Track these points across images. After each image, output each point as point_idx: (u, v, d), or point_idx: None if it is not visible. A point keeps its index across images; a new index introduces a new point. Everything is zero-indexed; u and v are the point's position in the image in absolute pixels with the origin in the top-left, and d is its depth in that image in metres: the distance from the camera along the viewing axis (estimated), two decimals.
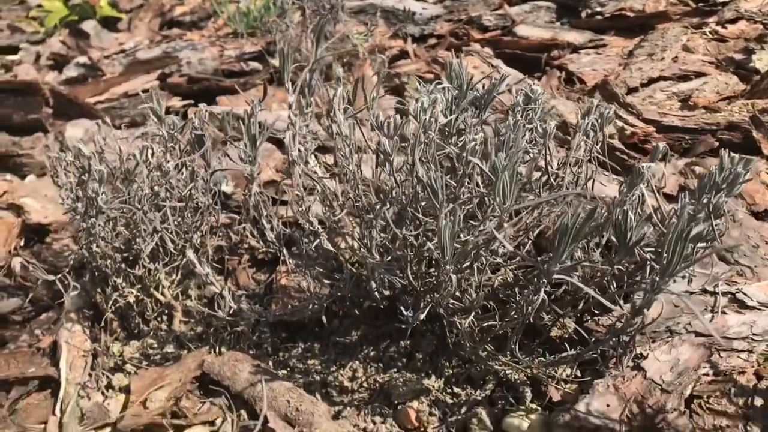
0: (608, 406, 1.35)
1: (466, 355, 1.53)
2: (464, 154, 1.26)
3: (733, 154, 1.27)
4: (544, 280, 1.18)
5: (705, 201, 1.30)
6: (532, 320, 1.42)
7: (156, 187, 1.50)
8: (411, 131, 1.29)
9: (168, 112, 2.83)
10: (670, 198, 1.99)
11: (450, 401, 1.49)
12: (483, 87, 1.48)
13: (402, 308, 1.35)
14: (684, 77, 2.89)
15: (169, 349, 1.69)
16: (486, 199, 1.28)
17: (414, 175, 1.25)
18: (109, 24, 4.37)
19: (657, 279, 1.19)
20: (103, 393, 1.56)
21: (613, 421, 1.33)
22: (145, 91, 2.83)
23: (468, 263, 1.27)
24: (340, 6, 2.86)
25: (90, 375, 1.58)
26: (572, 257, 1.18)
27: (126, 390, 1.56)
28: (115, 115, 2.85)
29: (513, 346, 1.33)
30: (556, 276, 1.17)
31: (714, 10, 3.53)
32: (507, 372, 1.50)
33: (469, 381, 1.53)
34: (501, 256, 1.35)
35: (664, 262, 1.12)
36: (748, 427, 1.29)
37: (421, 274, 1.38)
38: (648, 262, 1.30)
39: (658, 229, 1.30)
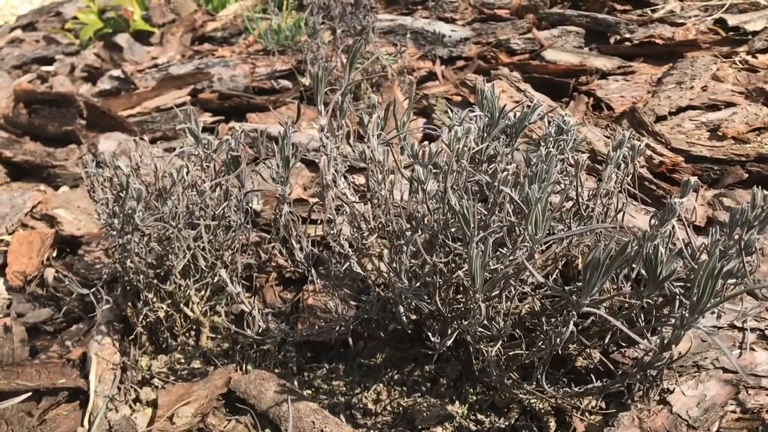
0: None
1: (491, 383, 1.53)
2: (496, 183, 1.27)
3: (765, 192, 1.27)
4: (573, 312, 1.19)
5: (736, 237, 1.30)
6: (559, 351, 1.42)
7: (191, 206, 1.53)
8: (443, 158, 1.31)
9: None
10: (698, 229, 1.99)
11: (474, 428, 1.50)
12: (515, 115, 1.50)
13: (429, 334, 1.36)
14: (713, 107, 2.88)
15: (196, 364, 1.71)
16: (516, 228, 1.29)
17: (446, 203, 1.27)
18: (142, 38, 4.45)
19: (687, 315, 1.19)
20: (130, 406, 1.59)
21: None
22: (179, 105, 2.88)
23: (497, 291, 1.28)
24: (371, 28, 2.90)
25: (119, 388, 1.61)
26: (602, 290, 1.18)
27: (153, 404, 1.59)
28: (147, 129, 2.90)
29: (539, 376, 1.34)
30: (585, 309, 1.17)
31: (745, 39, 3.52)
32: (531, 401, 1.50)
33: (493, 408, 1.54)
34: (529, 285, 1.35)
35: (695, 298, 1.13)
36: None
37: (449, 300, 1.39)
38: (677, 297, 1.30)
39: (688, 263, 1.30)
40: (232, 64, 3.34)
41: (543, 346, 1.30)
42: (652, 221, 1.36)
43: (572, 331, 1.23)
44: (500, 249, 1.25)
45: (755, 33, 3.58)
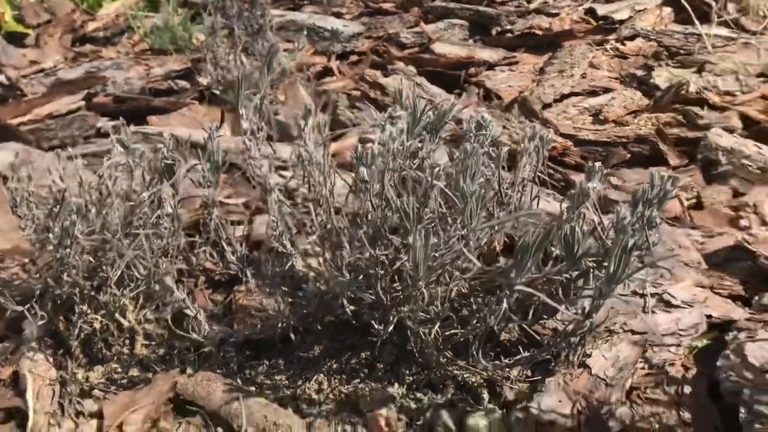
0: (560, 401, 1.50)
1: (426, 363, 1.64)
2: (428, 178, 1.37)
3: (662, 173, 1.45)
4: (507, 291, 1.32)
5: (639, 215, 1.47)
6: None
7: (128, 216, 1.53)
8: (379, 157, 1.40)
9: (99, 133, 2.81)
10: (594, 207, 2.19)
11: (414, 406, 1.60)
12: (433, 113, 1.61)
13: (373, 322, 1.45)
14: (593, 93, 3.13)
15: (135, 372, 1.71)
16: (448, 218, 1.40)
17: (383, 199, 1.36)
18: (15, 40, 4.22)
19: (603, 286, 1.35)
20: (74, 420, 1.58)
21: (564, 416, 1.48)
22: (74, 111, 2.80)
23: (434, 277, 1.39)
24: (269, 26, 2.93)
25: (60, 403, 1.59)
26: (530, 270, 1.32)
27: (98, 415, 1.58)
28: (42, 137, 2.79)
29: (475, 352, 1.46)
30: (518, 288, 1.30)
31: (613, 28, 3.81)
32: (465, 376, 1.62)
33: (430, 386, 1.65)
34: (463, 270, 1.47)
35: (611, 270, 1.28)
36: (681, 412, 1.47)
37: (389, 289, 1.49)
38: (591, 271, 1.46)
39: (599, 241, 1.46)
40: (125, 66, 3.26)
41: (478, 325, 1.42)
42: (564, 205, 1.51)
43: (505, 308, 1.36)
44: (433, 238, 1.35)
45: (622, 21, 3.88)
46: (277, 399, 1.62)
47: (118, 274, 1.57)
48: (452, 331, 1.50)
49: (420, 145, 1.55)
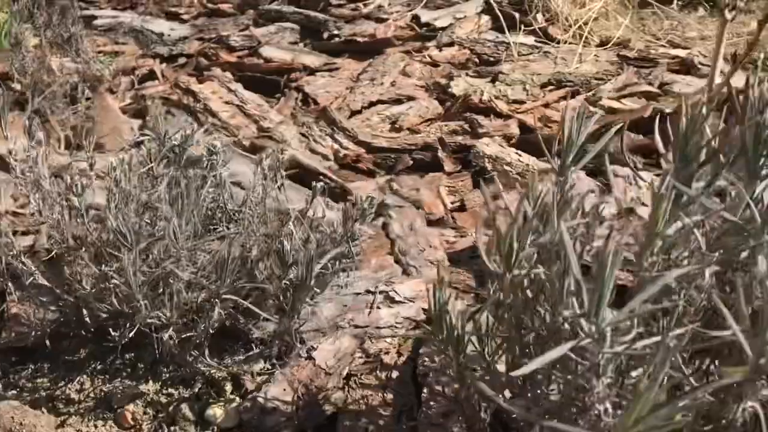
0: (284, 390, 1.73)
1: (180, 362, 1.84)
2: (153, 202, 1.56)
3: (363, 195, 1.69)
4: (216, 300, 1.53)
5: (349, 227, 1.72)
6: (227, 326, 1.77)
7: None
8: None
9: None
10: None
11: (164, 401, 1.79)
12: (181, 137, 1.80)
13: (111, 330, 1.63)
14: (397, 101, 3.37)
15: None
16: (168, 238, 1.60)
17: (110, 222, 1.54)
18: None
19: (306, 296, 1.59)
20: None
21: (285, 403, 1.71)
22: None
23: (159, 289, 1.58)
24: (79, 36, 3.00)
25: None
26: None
27: None
28: None
29: (206, 351, 1.67)
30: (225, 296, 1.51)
31: (434, 35, 4.08)
32: (212, 371, 1.83)
33: (183, 382, 1.84)
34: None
35: (298, 282, 1.51)
36: (386, 393, 1.73)
37: (126, 298, 1.67)
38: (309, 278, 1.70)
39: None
40: None
41: (203, 328, 1.63)
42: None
43: (221, 313, 1.57)
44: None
45: (443, 29, 4.15)
46: (32, 401, 1.77)
47: None
48: (189, 334, 1.70)
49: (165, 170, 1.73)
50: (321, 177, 2.54)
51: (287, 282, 1.64)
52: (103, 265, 1.55)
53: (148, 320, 1.58)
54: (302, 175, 2.59)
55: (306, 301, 1.59)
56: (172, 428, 1.72)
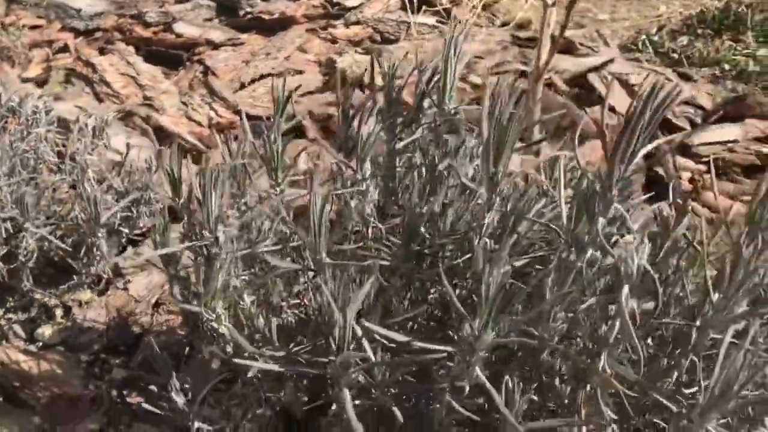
0: (98, 314, 2.06)
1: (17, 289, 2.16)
2: None
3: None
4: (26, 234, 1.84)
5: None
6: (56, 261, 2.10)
7: None
8: None
9: None
10: None
11: (2, 323, 2.12)
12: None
13: None
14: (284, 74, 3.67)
15: None
16: None
17: None
18: None
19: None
20: None
21: (99, 323, 2.03)
22: None
23: None
24: None
25: None
26: None
27: None
28: None
29: (29, 279, 1.99)
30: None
31: (343, 14, 4.35)
32: (45, 299, 2.15)
33: (23, 309, 2.17)
34: None
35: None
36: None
37: None
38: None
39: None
40: None
41: (24, 257, 1.95)
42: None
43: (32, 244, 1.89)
44: None
45: (353, 8, 4.42)
46: None
47: None
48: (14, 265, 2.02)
49: None
50: (180, 140, 2.84)
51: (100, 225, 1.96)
52: None
53: None
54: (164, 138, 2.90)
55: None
56: (5, 342, 2.05)
